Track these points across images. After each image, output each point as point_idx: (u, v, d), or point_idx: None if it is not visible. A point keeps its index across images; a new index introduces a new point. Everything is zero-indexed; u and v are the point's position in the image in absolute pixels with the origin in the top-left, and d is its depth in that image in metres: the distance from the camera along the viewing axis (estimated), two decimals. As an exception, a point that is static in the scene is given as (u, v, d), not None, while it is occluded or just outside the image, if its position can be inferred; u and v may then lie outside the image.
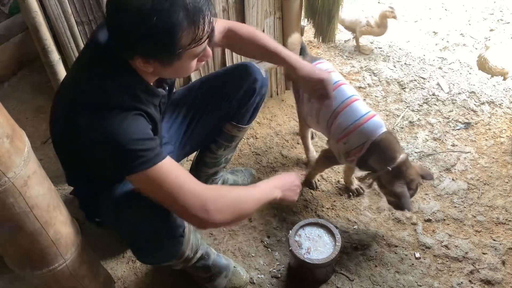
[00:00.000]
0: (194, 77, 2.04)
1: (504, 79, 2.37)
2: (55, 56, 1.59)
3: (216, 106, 1.64)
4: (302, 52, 1.85)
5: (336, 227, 1.64)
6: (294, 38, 1.84)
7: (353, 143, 1.61)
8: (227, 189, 1.39)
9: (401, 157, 1.56)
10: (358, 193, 1.93)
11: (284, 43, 2.24)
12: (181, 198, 1.12)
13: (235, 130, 1.71)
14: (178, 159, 1.68)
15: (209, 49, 1.17)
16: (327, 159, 1.82)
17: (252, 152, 2.14)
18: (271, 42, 1.52)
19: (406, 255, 1.73)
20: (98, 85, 1.13)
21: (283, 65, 1.59)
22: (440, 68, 2.52)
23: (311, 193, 1.95)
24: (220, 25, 1.48)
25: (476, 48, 2.63)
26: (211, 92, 1.62)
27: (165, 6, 1.02)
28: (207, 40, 1.12)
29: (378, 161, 1.59)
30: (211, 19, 1.10)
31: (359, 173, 1.87)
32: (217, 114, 1.66)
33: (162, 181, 1.11)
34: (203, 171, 1.80)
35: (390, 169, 1.55)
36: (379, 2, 3.07)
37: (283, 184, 1.36)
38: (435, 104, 2.32)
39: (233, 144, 1.79)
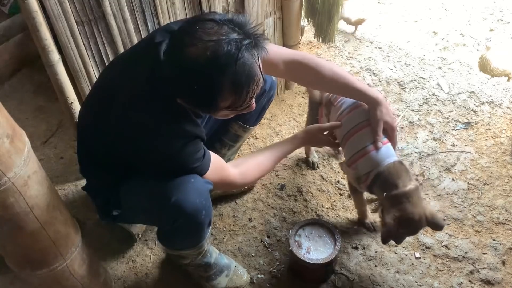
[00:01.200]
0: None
1: (509, 79, 2.37)
2: (55, 56, 1.59)
3: None
4: None
5: (336, 227, 1.65)
6: None
7: (362, 170, 1.51)
8: (250, 161, 1.53)
9: (408, 188, 1.41)
10: (373, 228, 1.81)
11: (284, 43, 2.25)
12: (226, 179, 1.41)
13: (241, 130, 1.76)
14: None
15: (253, 106, 1.23)
16: (351, 188, 1.71)
17: (252, 152, 2.13)
18: (351, 77, 1.51)
19: (406, 255, 1.72)
20: (164, 119, 1.20)
21: (362, 100, 1.52)
22: (440, 68, 2.52)
23: (311, 193, 1.95)
24: (284, 56, 1.47)
25: (477, 50, 2.63)
26: None
27: (215, 69, 1.05)
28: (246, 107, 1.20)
29: (380, 188, 1.47)
30: (254, 93, 1.15)
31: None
32: None
33: (214, 176, 1.34)
34: None
35: (385, 194, 1.42)
36: (379, 2, 3.08)
37: (306, 143, 1.70)
38: (435, 104, 2.32)
39: (237, 145, 1.83)
